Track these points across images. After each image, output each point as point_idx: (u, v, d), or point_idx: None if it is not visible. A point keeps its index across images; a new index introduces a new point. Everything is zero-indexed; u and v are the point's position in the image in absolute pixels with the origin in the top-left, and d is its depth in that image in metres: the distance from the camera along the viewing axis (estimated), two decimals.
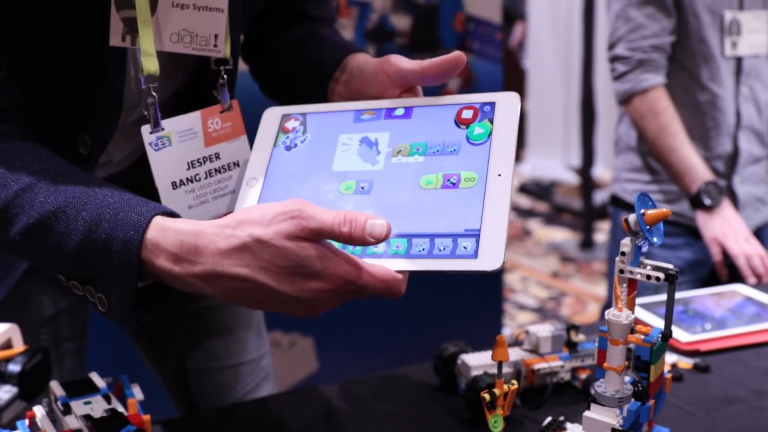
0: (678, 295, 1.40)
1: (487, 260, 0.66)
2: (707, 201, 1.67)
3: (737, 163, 1.80)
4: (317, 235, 0.66)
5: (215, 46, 0.86)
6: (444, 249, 0.67)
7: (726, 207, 1.69)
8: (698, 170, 1.69)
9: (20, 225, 0.72)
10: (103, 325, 1.14)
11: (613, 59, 1.79)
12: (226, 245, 0.67)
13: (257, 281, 0.66)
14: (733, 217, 1.69)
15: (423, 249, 0.68)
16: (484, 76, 2.49)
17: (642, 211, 0.72)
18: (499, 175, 0.70)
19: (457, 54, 0.78)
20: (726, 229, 1.67)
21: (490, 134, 0.74)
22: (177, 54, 0.85)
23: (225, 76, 0.89)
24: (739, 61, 1.76)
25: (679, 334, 1.18)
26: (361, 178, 0.75)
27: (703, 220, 1.70)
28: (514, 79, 5.78)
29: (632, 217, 0.73)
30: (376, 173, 0.75)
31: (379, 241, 0.66)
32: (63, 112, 0.85)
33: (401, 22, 2.34)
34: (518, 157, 6.25)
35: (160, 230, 0.70)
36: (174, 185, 0.85)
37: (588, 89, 4.56)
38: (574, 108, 5.27)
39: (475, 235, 0.67)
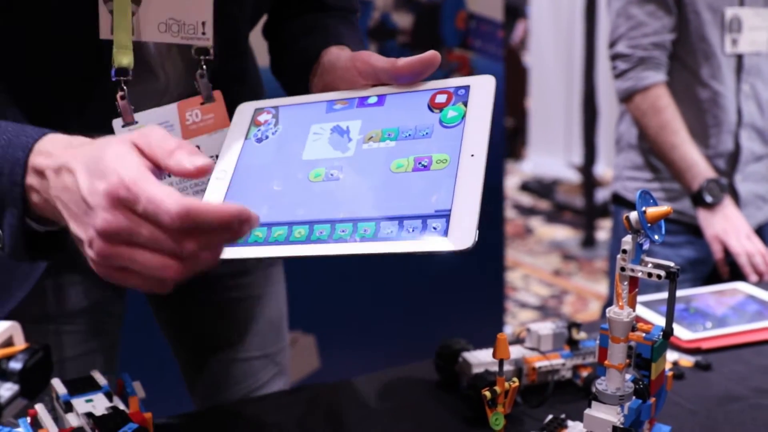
0: (679, 293, 1.40)
1: (457, 240, 0.64)
2: (708, 198, 1.67)
3: (738, 161, 1.80)
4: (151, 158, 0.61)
5: (203, 33, 0.86)
6: (413, 230, 0.66)
7: (727, 204, 1.69)
8: (699, 168, 1.69)
9: None
10: None
11: (614, 57, 1.79)
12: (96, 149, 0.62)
13: (77, 170, 0.62)
14: (734, 215, 1.69)
15: (391, 231, 0.67)
16: (486, 73, 2.49)
17: (643, 208, 0.72)
18: (472, 155, 0.69)
19: (431, 53, 0.76)
20: (727, 226, 1.67)
21: (463, 117, 0.73)
22: (177, 47, 0.86)
23: (204, 66, 0.89)
24: (740, 58, 1.76)
25: (681, 332, 1.18)
26: (330, 166, 0.74)
27: (704, 217, 1.70)
28: (515, 77, 5.78)
29: (633, 215, 0.73)
30: (346, 160, 0.74)
31: (198, 171, 0.60)
32: (61, 109, 0.85)
33: (403, 20, 2.34)
34: (520, 155, 6.26)
35: (53, 138, 0.68)
36: None
37: (590, 87, 4.56)
38: (575, 106, 5.27)
39: (446, 215, 0.66)
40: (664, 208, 0.72)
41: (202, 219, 0.57)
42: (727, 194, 1.70)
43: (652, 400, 0.77)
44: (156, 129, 0.63)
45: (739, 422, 0.96)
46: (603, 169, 5.26)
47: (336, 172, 0.73)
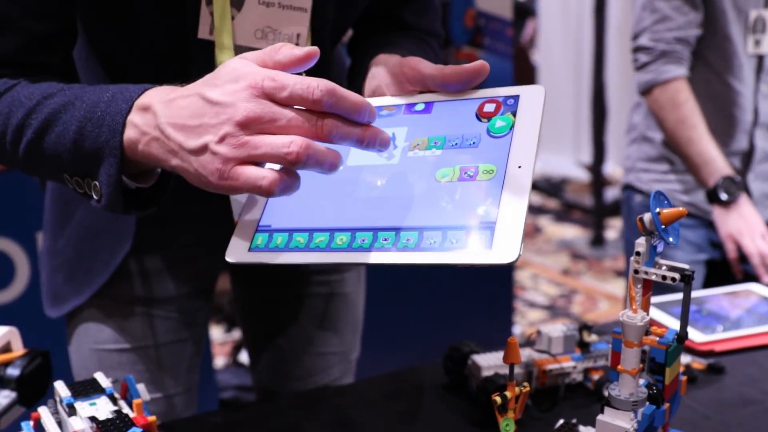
0: (692, 294, 1.38)
1: (502, 253, 0.62)
2: (723, 196, 1.65)
3: (752, 160, 1.78)
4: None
5: (297, 44, 0.89)
6: (456, 242, 0.64)
7: (743, 203, 1.66)
8: (716, 164, 1.66)
9: (35, 124, 0.77)
10: None
11: (636, 50, 1.77)
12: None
13: (197, 91, 0.67)
14: (750, 214, 1.67)
15: (434, 242, 0.65)
16: (494, 72, 2.46)
17: (657, 210, 0.70)
18: (520, 166, 0.67)
19: (480, 63, 0.75)
20: (742, 226, 1.65)
21: (512, 127, 0.71)
22: None
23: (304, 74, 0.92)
24: (761, 58, 1.74)
25: (694, 335, 1.16)
26: (374, 173, 0.73)
27: (719, 215, 1.68)
28: (524, 75, 5.75)
29: (647, 217, 0.71)
30: (391, 167, 0.72)
31: (308, 54, 0.67)
32: None
33: None
34: None
35: (158, 88, 0.72)
36: None
37: (599, 85, 4.53)
38: (584, 104, 5.25)
39: (491, 227, 0.64)
40: (679, 209, 0.70)
41: (344, 96, 0.64)
42: (743, 192, 1.67)
43: (666, 405, 0.76)
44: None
45: (754, 426, 0.94)
46: (612, 167, 5.24)
47: (380, 180, 0.72)
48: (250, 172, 0.64)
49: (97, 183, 0.75)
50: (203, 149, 0.65)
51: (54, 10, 0.84)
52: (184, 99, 0.67)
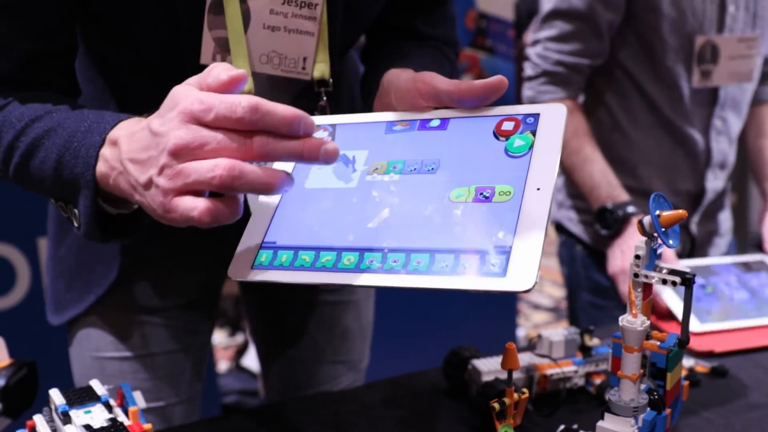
0: (703, 261, 1.35)
1: (517, 280, 0.60)
2: (602, 231, 1.47)
3: (701, 204, 1.62)
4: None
5: (303, 68, 0.87)
6: (469, 266, 0.62)
7: (628, 237, 1.44)
8: (600, 191, 1.48)
9: (22, 147, 0.78)
10: None
11: (526, 57, 1.59)
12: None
13: (147, 122, 0.65)
14: (630, 249, 1.42)
15: (446, 265, 0.62)
16: (497, 74, 2.46)
17: (657, 212, 0.70)
18: (538, 189, 0.65)
19: (498, 79, 0.73)
20: (621, 265, 1.44)
21: (531, 146, 0.68)
22: (282, 78, 0.87)
23: (325, 98, 0.89)
24: (714, 91, 1.55)
25: (691, 322, 1.13)
26: (386, 190, 0.70)
27: (608, 250, 1.49)
28: None
29: (647, 219, 0.70)
30: (402, 185, 0.70)
31: (231, 79, 0.63)
32: None
33: None
34: None
35: (129, 120, 0.71)
36: None
37: None
38: None
39: (506, 252, 0.61)
40: (679, 211, 0.70)
41: (270, 111, 0.60)
42: (627, 224, 1.44)
43: (668, 411, 0.75)
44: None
45: (760, 431, 0.93)
46: None
47: (392, 198, 0.69)
48: (185, 203, 0.62)
49: (76, 210, 0.75)
50: (149, 183, 0.64)
51: (48, 32, 0.83)
52: (141, 132, 0.65)
